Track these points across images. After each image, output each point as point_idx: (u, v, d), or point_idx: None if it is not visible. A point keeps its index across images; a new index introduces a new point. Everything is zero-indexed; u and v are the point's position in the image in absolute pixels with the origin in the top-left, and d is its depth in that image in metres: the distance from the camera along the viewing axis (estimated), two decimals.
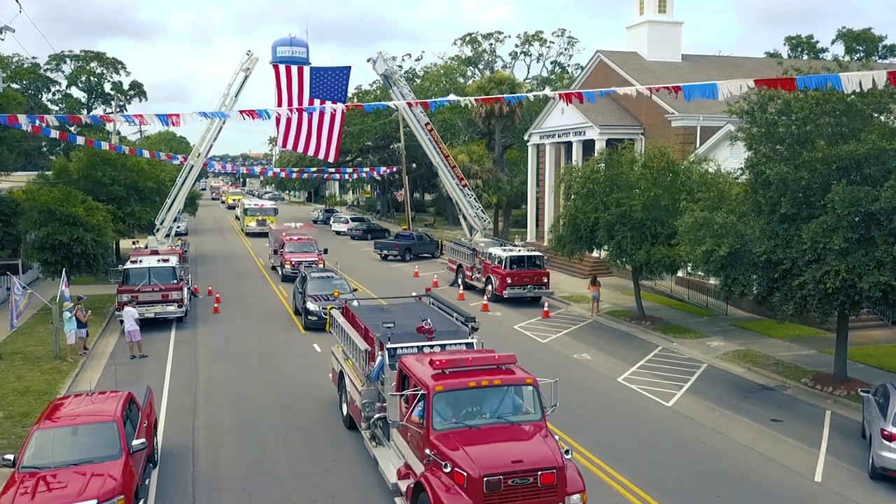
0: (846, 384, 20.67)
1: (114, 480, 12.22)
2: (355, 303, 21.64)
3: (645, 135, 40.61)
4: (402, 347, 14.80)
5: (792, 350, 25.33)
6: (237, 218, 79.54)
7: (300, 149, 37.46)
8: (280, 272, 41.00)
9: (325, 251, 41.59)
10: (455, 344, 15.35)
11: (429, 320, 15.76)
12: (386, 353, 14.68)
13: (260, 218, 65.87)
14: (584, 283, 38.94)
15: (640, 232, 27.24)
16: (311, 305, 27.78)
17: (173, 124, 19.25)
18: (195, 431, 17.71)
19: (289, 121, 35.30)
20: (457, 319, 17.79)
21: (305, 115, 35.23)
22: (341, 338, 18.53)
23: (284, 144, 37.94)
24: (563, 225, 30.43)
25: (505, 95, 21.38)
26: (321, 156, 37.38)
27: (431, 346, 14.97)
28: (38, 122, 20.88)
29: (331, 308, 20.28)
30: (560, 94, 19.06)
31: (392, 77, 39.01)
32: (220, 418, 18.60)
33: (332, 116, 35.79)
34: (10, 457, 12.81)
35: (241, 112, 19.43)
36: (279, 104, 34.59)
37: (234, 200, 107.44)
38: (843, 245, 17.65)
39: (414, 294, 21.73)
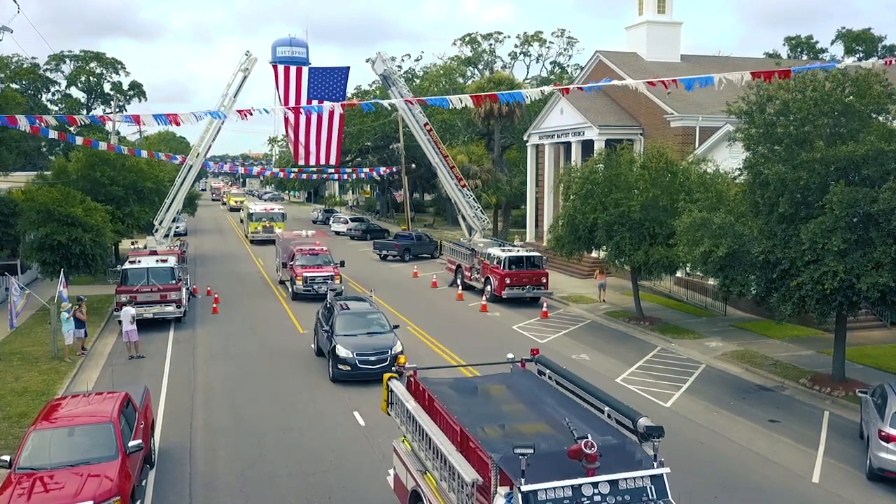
0: (844, 385, 20.66)
1: (110, 481, 12.22)
2: (398, 345, 20.09)
3: (644, 135, 40.60)
4: (545, 490, 8.78)
5: (790, 350, 25.32)
6: (241, 221, 73.92)
7: (312, 160, 37.71)
8: (290, 289, 35.42)
9: (342, 264, 36.81)
10: (633, 479, 9.14)
11: (588, 437, 9.16)
12: (520, 498, 8.72)
13: (266, 224, 60.01)
14: (583, 283, 39.06)
15: (638, 232, 27.23)
16: (342, 351, 21.26)
17: (172, 124, 19.29)
18: (193, 432, 17.71)
19: (296, 129, 35.61)
20: (609, 416, 10.93)
21: (303, 118, 35.36)
22: (412, 432, 12.02)
23: (303, 159, 37.76)
24: (562, 225, 30.43)
25: (499, 93, 21.34)
26: (322, 161, 37.51)
27: (595, 485, 8.98)
28: (36, 122, 20.89)
29: (389, 377, 13.32)
30: (556, 87, 19.11)
31: (391, 77, 39.01)
32: (218, 419, 18.59)
33: (331, 118, 35.87)
34: (7, 458, 12.82)
35: (238, 112, 19.44)
36: (286, 103, 34.74)
37: (237, 202, 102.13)
38: (842, 246, 17.64)
39: (511, 357, 14.18)
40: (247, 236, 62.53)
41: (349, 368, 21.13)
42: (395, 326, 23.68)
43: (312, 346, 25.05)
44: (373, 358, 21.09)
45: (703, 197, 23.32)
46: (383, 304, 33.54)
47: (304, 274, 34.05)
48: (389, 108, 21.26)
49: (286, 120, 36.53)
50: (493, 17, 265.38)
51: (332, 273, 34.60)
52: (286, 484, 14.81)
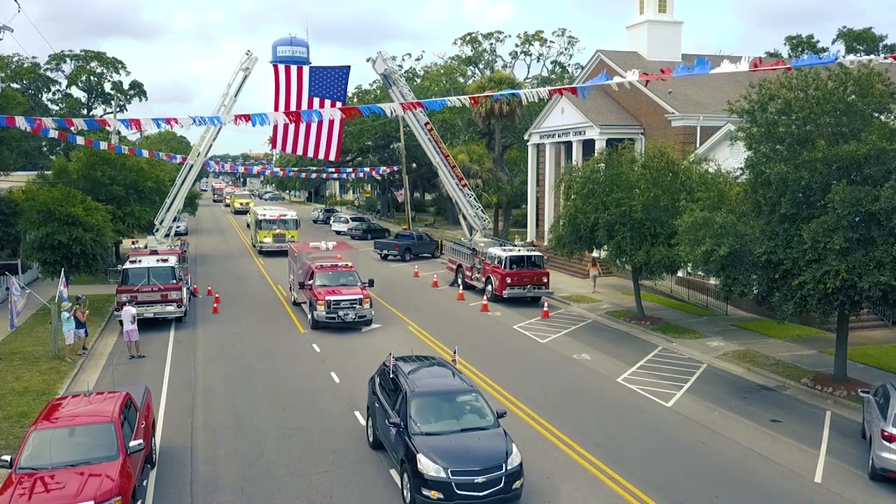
0: (846, 384, 20.63)
1: (111, 481, 12.19)
2: (515, 452, 13.47)
3: (645, 134, 40.58)
4: None
5: (792, 350, 25.28)
6: (247, 226, 67.32)
7: (299, 150, 37.48)
8: (309, 315, 29.34)
9: (371, 283, 30.88)
10: None
11: None
12: None
13: (277, 232, 52.36)
14: (584, 282, 39.02)
15: (639, 232, 27.20)
16: (429, 466, 13.35)
17: (171, 127, 19.27)
18: (193, 432, 17.67)
19: (296, 125, 35.26)
20: None
21: (304, 116, 35.29)
22: None
23: (284, 147, 37.78)
24: (563, 225, 30.41)
25: (494, 93, 21.22)
26: (321, 156, 37.42)
27: None
28: (34, 124, 20.83)
29: None
30: (554, 90, 19.08)
31: (392, 77, 38.97)
32: (219, 419, 18.56)
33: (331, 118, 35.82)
34: (8, 457, 12.79)
35: (236, 117, 19.25)
36: (276, 105, 34.67)
37: (242, 205, 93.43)
38: (843, 245, 17.62)
39: None
40: (254, 245, 55.28)
41: (441, 496, 13.18)
42: (502, 414, 15.19)
43: (367, 435, 16.95)
44: (479, 480, 13.22)
45: (704, 196, 23.30)
46: (384, 303, 33.44)
47: (328, 297, 28.12)
48: (389, 114, 20.33)
49: (286, 122, 36.16)
50: (495, 16, 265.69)
51: (360, 295, 28.65)
52: (287, 484, 14.78)
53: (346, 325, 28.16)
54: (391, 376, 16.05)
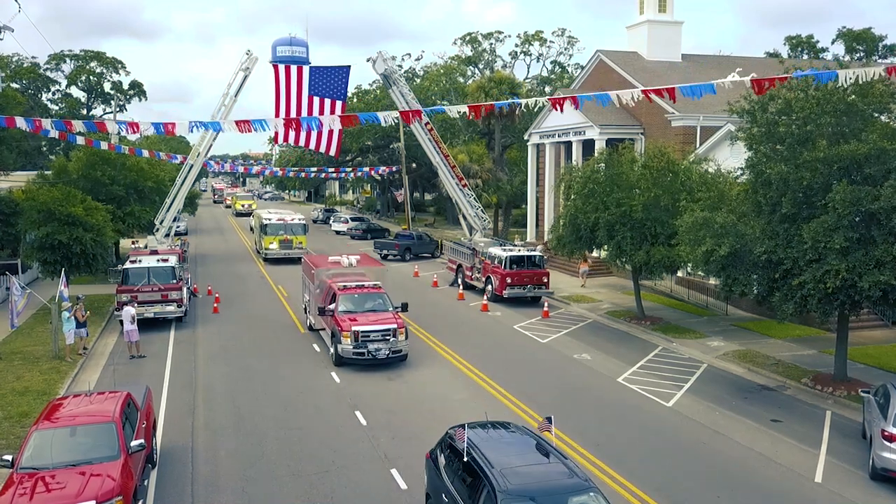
0: (846, 384, 20.64)
1: (112, 481, 12.20)
2: None
3: (645, 134, 40.59)
4: None
5: (792, 350, 25.29)
6: (251, 230, 62.77)
7: (301, 142, 37.74)
8: (332, 349, 23.89)
9: (405, 307, 25.27)
10: None
11: None
12: None
13: (284, 238, 48.01)
14: (584, 282, 39.04)
15: (640, 232, 27.21)
16: None
17: (168, 133, 19.21)
18: (194, 432, 17.68)
19: (298, 123, 35.47)
20: None
21: (305, 108, 35.29)
22: None
23: (286, 139, 38.17)
24: (563, 225, 30.43)
25: (495, 103, 21.21)
26: (322, 149, 37.51)
27: None
28: (33, 125, 20.79)
29: None
30: (552, 100, 19.01)
31: (392, 77, 38.99)
32: (219, 419, 18.56)
33: (332, 110, 35.86)
34: (9, 457, 12.80)
35: (237, 123, 19.18)
36: (277, 105, 34.72)
37: (244, 206, 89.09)
38: (844, 244, 17.64)
39: None
40: (258, 251, 51.01)
41: None
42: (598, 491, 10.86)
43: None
44: None
45: (704, 196, 23.31)
46: None
47: (355, 328, 22.89)
48: (389, 120, 19.53)
49: (277, 112, 36.08)
50: (495, 16, 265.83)
51: (394, 324, 23.33)
52: (288, 484, 14.79)
53: (379, 363, 23.05)
54: (465, 458, 11.58)
